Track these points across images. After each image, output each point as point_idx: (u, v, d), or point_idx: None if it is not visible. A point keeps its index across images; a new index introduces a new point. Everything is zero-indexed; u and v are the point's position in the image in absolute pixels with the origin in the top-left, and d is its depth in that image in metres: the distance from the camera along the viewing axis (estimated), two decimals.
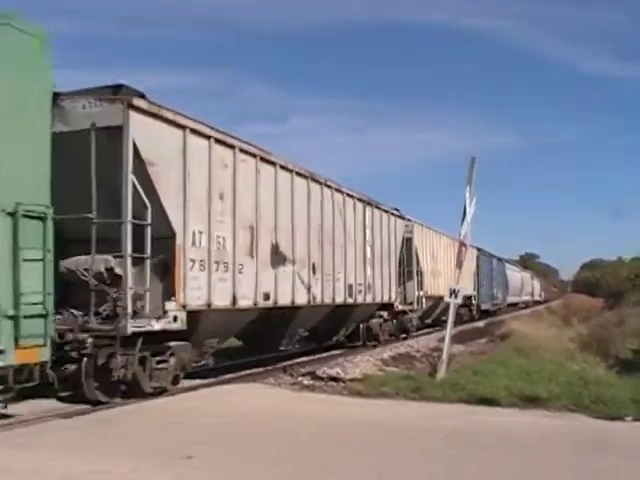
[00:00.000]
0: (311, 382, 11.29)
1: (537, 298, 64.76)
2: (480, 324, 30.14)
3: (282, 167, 13.30)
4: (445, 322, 25.59)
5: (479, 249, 34.51)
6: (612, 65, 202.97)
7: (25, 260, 7.25)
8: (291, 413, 8.81)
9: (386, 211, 19.65)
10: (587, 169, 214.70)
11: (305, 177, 14.39)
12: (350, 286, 16.47)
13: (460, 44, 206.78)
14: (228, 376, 12.50)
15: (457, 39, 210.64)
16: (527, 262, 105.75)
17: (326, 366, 12.60)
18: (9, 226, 7.14)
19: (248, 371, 13.39)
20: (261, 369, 13.66)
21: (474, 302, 33.12)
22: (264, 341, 14.39)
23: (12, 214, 7.19)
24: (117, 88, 9.59)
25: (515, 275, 50.81)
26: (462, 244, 13.68)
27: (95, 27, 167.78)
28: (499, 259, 43.51)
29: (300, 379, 11.58)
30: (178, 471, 5.61)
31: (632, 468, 5.93)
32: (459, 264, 13.67)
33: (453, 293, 12.89)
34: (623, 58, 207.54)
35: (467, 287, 28.06)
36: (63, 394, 9.36)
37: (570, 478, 5.72)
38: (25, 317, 7.24)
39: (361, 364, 13.27)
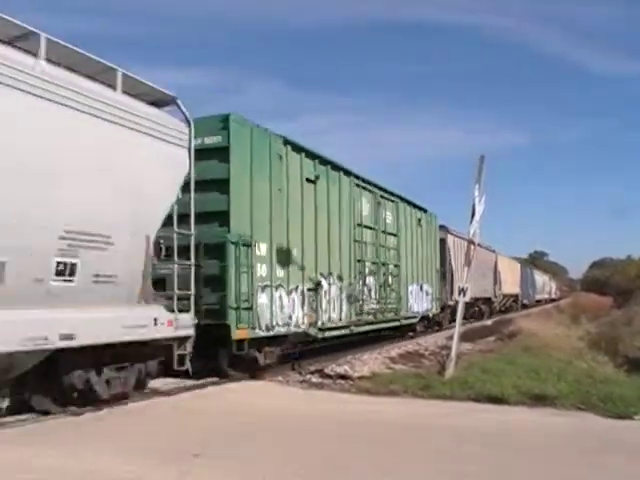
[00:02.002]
0: (319, 380, 11.32)
1: (553, 296, 77.22)
2: (488, 322, 30.10)
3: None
4: (474, 317, 30.94)
5: (519, 261, 51.71)
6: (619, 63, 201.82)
7: (242, 272, 10.99)
8: (299, 411, 8.85)
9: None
10: (595, 168, 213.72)
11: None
12: None
13: (465, 42, 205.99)
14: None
15: (462, 37, 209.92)
16: (536, 260, 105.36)
17: (334, 364, 12.63)
18: (233, 250, 10.93)
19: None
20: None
21: (519, 298, 48.05)
22: None
23: (235, 243, 10.94)
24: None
25: (539, 278, 65.59)
26: (471, 242, 13.68)
27: (108, 24, 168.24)
28: (530, 268, 60.53)
29: (308, 377, 11.62)
30: (184, 469, 5.63)
31: None
32: (468, 262, 13.67)
33: (462, 291, 12.88)
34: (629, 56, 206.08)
35: (515, 288, 45.80)
36: None
37: (579, 476, 5.73)
38: (242, 309, 10.95)
39: (369, 362, 13.29)
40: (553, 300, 72.15)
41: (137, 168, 8.47)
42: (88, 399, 8.25)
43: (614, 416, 8.30)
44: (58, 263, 7.41)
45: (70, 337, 7.40)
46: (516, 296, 46.44)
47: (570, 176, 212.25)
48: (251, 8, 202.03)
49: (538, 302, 59.70)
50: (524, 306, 49.43)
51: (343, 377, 11.24)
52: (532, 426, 7.87)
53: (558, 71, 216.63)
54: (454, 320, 19.06)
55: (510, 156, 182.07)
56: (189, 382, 10.51)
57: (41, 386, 7.95)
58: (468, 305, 23.18)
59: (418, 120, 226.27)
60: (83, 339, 7.59)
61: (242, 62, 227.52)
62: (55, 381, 7.93)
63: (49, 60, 7.41)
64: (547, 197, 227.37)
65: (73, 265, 7.57)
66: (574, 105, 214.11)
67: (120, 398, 8.65)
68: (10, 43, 7.24)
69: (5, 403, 7.75)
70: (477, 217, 13.27)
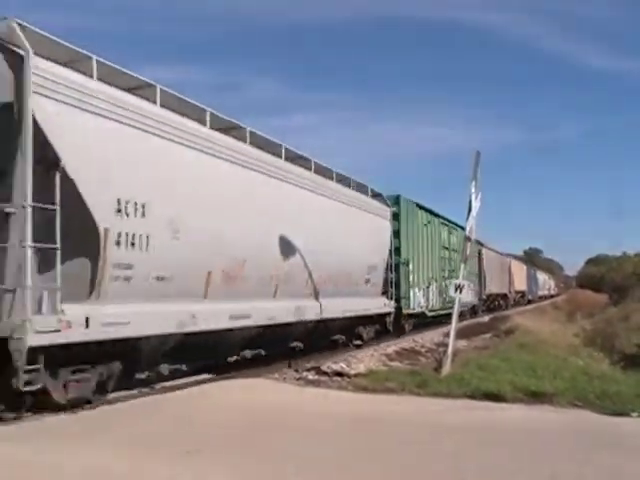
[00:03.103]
0: (316, 377, 11.29)
1: (552, 292, 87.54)
2: (485, 319, 30.18)
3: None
4: (495, 308, 39.03)
5: (526, 264, 63.61)
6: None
7: (405, 278, 20.31)
8: (296, 408, 8.83)
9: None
10: (591, 164, 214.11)
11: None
12: None
13: (461, 39, 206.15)
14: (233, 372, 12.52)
15: (459, 33, 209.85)
16: (531, 257, 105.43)
17: (331, 361, 12.61)
18: (402, 267, 19.75)
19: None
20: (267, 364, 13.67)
21: (526, 294, 57.87)
22: None
23: (403, 263, 19.08)
24: None
25: (540, 277, 75.98)
26: (467, 238, 13.66)
27: (98, 21, 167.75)
28: (534, 269, 70.82)
29: (305, 374, 11.59)
30: (183, 465, 5.63)
31: (638, 464, 5.92)
32: (464, 259, 13.66)
33: (458, 288, 12.86)
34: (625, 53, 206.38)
35: (523, 286, 55.71)
36: None
37: (576, 473, 5.71)
38: (405, 298, 20.74)
39: (365, 359, 13.28)
40: (552, 296, 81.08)
41: (378, 230, 18.46)
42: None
43: (611, 413, 8.29)
44: (366, 279, 17.45)
45: (367, 310, 17.53)
46: (523, 292, 56.88)
47: (566, 173, 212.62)
48: (249, 6, 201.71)
49: (540, 298, 69.27)
50: (529, 301, 58.62)
51: (339, 374, 11.22)
52: (529, 423, 7.85)
53: (557, 68, 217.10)
54: (486, 309, 35.92)
55: (506, 153, 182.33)
56: (186, 380, 10.50)
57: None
58: (492, 298, 38.94)
59: (416, 117, 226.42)
60: (369, 311, 17.74)
61: (241, 60, 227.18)
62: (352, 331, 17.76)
63: (163, 105, 9.66)
64: (542, 194, 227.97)
65: (368, 280, 17.60)
66: (572, 102, 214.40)
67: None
68: (129, 91, 9.08)
69: None
70: (473, 213, 13.26)
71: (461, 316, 28.34)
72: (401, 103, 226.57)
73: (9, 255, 7.37)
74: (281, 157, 13.23)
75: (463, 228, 29.55)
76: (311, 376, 11.40)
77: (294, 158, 13.96)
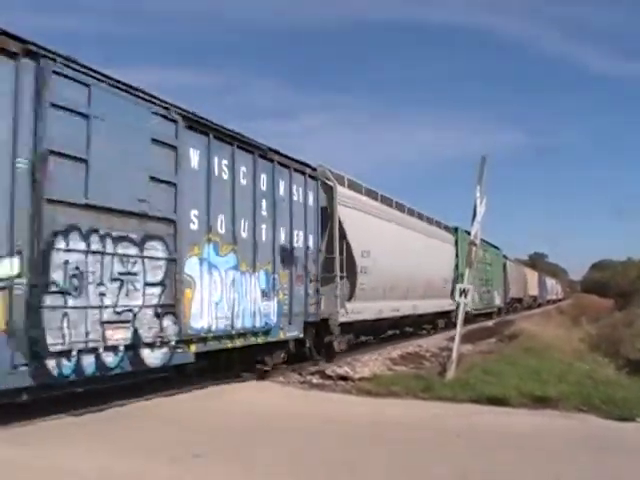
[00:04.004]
0: (320, 381, 11.31)
1: (559, 297, 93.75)
2: (489, 323, 30.16)
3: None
4: (513, 310, 47.35)
5: (539, 272, 72.41)
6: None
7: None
8: (300, 412, 8.83)
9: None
10: (594, 169, 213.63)
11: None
12: None
13: (464, 42, 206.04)
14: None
15: (461, 37, 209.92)
16: (536, 262, 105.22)
17: (335, 365, 12.62)
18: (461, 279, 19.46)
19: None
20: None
21: (537, 298, 64.71)
22: None
23: (461, 275, 19.40)
24: None
25: (549, 282, 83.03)
26: (472, 243, 13.65)
27: (96, 23, 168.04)
28: (543, 275, 77.04)
29: (309, 378, 11.60)
30: (185, 468, 5.63)
31: None
32: (469, 263, 13.64)
33: (463, 293, 12.85)
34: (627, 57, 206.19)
35: (535, 291, 62.73)
36: None
37: (580, 477, 5.71)
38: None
39: (370, 363, 13.29)
40: (560, 300, 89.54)
41: (447, 253, 26.11)
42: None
43: (616, 418, 8.28)
44: (442, 287, 24.67)
45: (442, 307, 24.66)
46: (535, 297, 63.91)
47: (569, 177, 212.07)
48: (250, 7, 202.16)
49: (548, 302, 76.30)
50: (539, 304, 65.20)
51: (344, 378, 11.23)
52: (534, 428, 7.84)
53: (557, 71, 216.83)
54: (510, 310, 43.74)
55: (507, 156, 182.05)
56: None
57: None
58: (512, 302, 46.67)
59: (417, 120, 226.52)
60: (443, 309, 24.69)
61: (241, 61, 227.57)
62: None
63: (373, 198, 18.53)
64: (546, 198, 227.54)
65: (444, 287, 24.86)
66: (573, 105, 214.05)
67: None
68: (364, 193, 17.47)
69: None
70: (478, 218, 13.26)
71: (490, 315, 36.06)
72: (401, 106, 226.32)
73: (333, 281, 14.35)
74: (404, 212, 21.06)
75: (496, 247, 37.94)
76: (315, 380, 11.41)
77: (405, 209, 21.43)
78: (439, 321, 25.85)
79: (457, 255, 27.19)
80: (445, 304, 24.66)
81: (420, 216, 23.11)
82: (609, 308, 54.61)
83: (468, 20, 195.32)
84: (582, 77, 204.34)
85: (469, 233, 27.34)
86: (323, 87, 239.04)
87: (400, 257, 18.98)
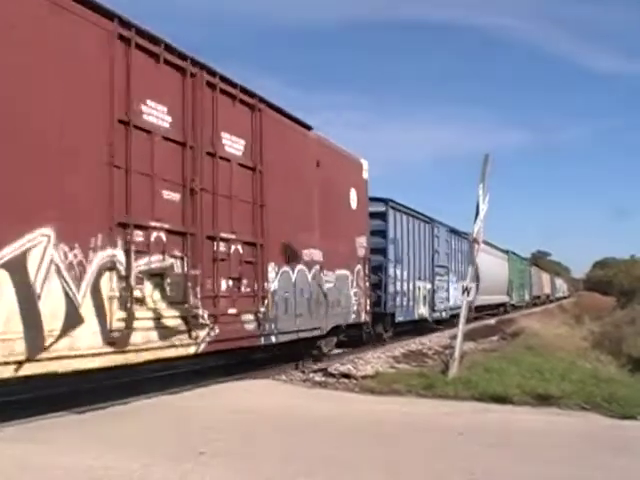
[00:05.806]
0: (323, 379, 11.31)
1: (566, 294, 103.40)
2: (492, 321, 30.19)
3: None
4: (533, 305, 61.54)
5: (549, 274, 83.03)
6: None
7: None
8: (303, 410, 8.84)
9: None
10: (598, 167, 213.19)
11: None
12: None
13: (468, 41, 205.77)
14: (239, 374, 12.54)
15: (465, 36, 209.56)
16: (539, 260, 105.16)
17: (338, 363, 12.63)
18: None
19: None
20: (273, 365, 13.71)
21: (550, 295, 76.49)
22: None
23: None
24: None
25: (557, 282, 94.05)
26: (475, 241, 13.64)
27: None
28: (553, 275, 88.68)
29: (312, 375, 11.61)
30: (188, 467, 5.62)
31: None
32: (472, 261, 13.63)
33: (466, 291, 12.84)
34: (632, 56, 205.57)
35: (547, 290, 75.06)
36: None
37: (583, 476, 5.71)
38: None
39: (372, 361, 13.30)
40: (566, 297, 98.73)
41: (503, 266, 42.44)
42: None
43: (618, 416, 8.26)
44: (501, 289, 41.42)
45: (503, 300, 43.19)
46: (548, 294, 75.48)
47: (572, 175, 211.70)
48: (251, 6, 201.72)
49: (557, 299, 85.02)
50: (551, 301, 75.54)
51: (346, 376, 11.23)
52: (537, 426, 7.84)
53: (560, 70, 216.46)
54: (532, 305, 58.91)
55: (511, 155, 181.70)
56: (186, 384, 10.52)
57: None
58: (534, 298, 61.17)
59: (419, 118, 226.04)
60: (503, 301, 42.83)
61: (241, 61, 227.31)
62: None
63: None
64: (548, 196, 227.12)
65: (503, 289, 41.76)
66: (576, 104, 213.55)
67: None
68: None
69: None
70: (481, 216, 13.23)
71: (520, 307, 48.10)
72: (405, 104, 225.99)
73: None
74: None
75: (524, 258, 56.18)
76: (318, 377, 11.42)
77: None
78: (500, 308, 40.89)
79: (508, 269, 42.81)
80: (505, 298, 42.05)
81: (486, 242, 30.49)
82: (612, 306, 54.66)
83: (472, 19, 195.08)
84: (585, 76, 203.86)
85: (515, 254, 42.16)
86: (324, 86, 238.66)
87: (484, 268, 29.03)
